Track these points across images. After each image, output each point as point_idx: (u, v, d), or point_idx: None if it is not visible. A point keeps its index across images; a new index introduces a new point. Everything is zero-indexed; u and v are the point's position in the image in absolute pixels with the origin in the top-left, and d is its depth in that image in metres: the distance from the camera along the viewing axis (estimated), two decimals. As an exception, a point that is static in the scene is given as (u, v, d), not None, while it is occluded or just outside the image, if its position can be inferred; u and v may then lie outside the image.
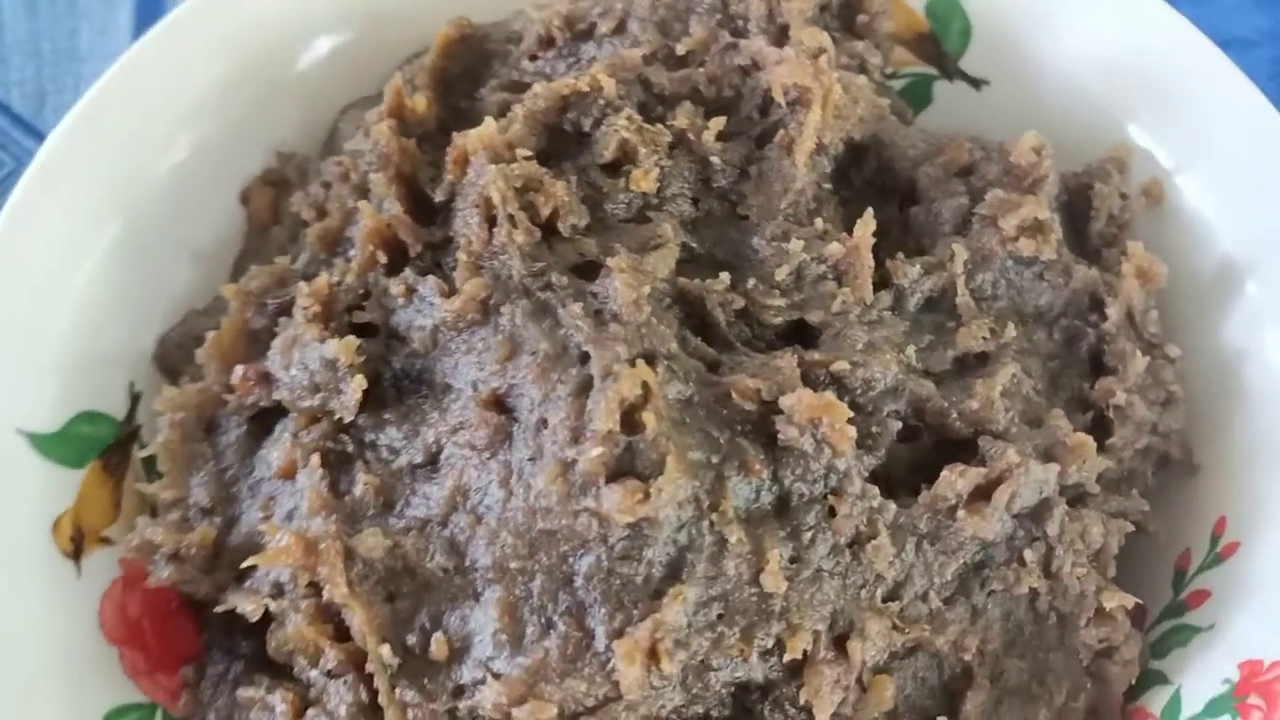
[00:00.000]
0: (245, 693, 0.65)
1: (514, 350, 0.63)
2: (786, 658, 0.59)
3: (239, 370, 0.68)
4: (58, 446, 0.68)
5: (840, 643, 0.61)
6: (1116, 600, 0.64)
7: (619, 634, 0.57)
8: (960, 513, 0.62)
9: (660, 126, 0.70)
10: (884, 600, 0.62)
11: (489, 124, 0.68)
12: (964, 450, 0.65)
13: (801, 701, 0.60)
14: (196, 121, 0.78)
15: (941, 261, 0.71)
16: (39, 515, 0.66)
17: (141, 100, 0.75)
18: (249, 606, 0.63)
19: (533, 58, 0.80)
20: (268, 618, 0.64)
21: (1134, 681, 0.66)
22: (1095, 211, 0.76)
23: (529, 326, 0.63)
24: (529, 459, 0.61)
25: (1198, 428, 0.73)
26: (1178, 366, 0.72)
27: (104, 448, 0.70)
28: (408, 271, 0.68)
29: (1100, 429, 0.69)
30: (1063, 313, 0.73)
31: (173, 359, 0.75)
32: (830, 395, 0.61)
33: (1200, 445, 0.73)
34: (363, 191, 0.74)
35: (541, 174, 0.67)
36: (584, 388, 0.61)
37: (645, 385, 0.59)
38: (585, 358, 0.62)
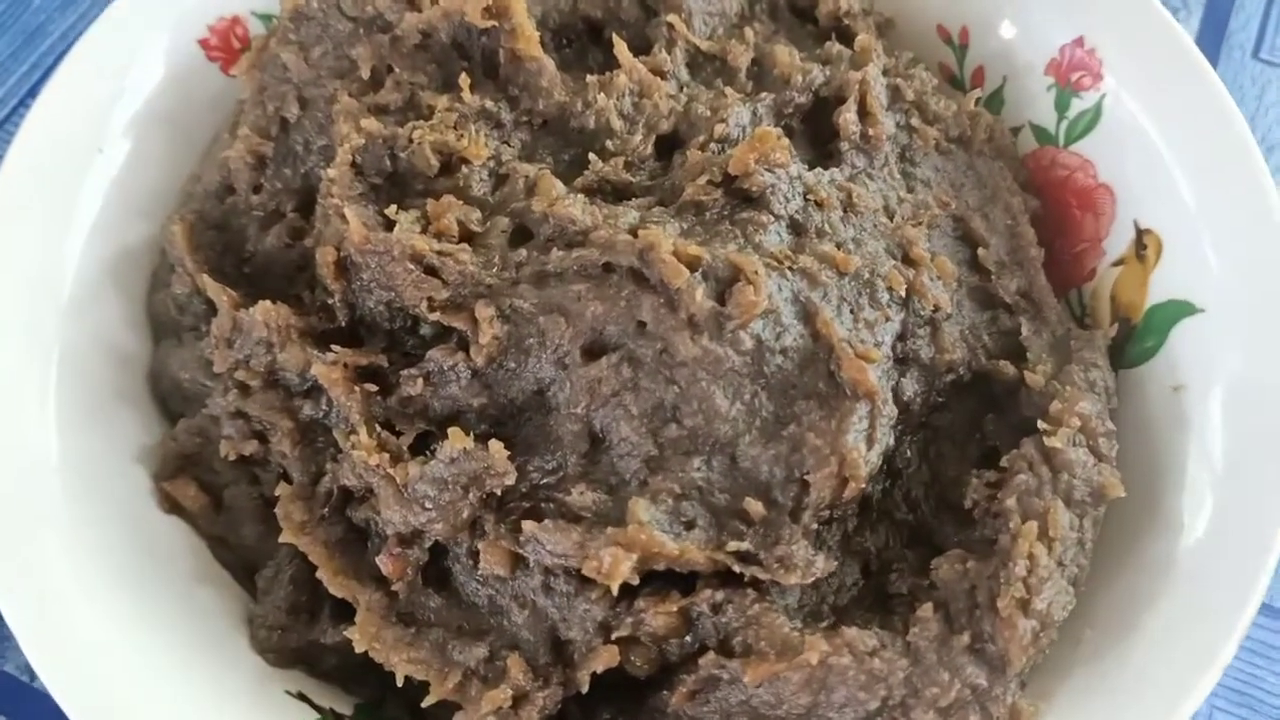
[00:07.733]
0: None
1: (565, 313, 0.68)
2: (900, 289, 0.72)
3: (382, 562, 0.67)
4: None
5: (908, 261, 0.75)
6: (969, 99, 0.84)
7: (838, 361, 0.67)
8: (869, 131, 0.78)
9: (434, 118, 0.76)
10: (890, 218, 0.77)
11: (353, 221, 0.70)
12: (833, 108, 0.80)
13: (919, 311, 0.74)
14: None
15: (670, 37, 0.83)
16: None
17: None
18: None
19: (257, 189, 0.81)
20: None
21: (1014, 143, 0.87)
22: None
23: (550, 290, 0.69)
24: (660, 351, 0.67)
25: None
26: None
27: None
28: (407, 372, 0.70)
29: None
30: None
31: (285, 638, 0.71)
32: (758, 130, 0.73)
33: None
34: (273, 382, 0.73)
35: (419, 208, 0.71)
36: (638, 277, 0.68)
37: (670, 241, 0.67)
38: (608, 267, 0.68)
